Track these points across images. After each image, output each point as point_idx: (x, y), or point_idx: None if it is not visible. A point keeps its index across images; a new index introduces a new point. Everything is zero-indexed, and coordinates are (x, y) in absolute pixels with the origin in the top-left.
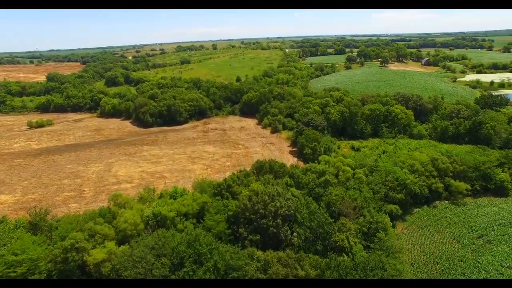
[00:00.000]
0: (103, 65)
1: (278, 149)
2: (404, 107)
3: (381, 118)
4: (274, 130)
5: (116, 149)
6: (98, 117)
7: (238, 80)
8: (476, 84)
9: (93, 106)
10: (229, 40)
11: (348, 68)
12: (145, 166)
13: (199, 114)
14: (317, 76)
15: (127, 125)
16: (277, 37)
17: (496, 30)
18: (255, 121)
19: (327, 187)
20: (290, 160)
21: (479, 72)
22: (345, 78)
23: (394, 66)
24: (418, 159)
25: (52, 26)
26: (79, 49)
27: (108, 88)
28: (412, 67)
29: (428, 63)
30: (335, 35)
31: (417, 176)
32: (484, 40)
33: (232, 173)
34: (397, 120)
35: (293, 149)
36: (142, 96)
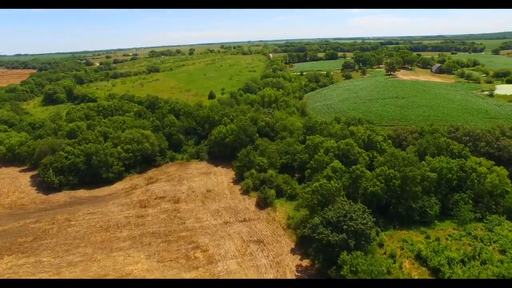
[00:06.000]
0: (51, 74)
1: (274, 265)
2: (493, 162)
3: (454, 183)
4: (263, 202)
5: None
6: None
7: (211, 96)
8: None
9: None
10: (209, 44)
11: (347, 77)
12: None
13: (143, 161)
14: (313, 89)
15: (20, 185)
16: (259, 41)
17: (471, 34)
18: (231, 173)
19: None
20: None
21: (509, 81)
22: (350, 92)
23: (402, 75)
24: None
25: (28, 30)
26: (50, 53)
27: (44, 107)
28: (424, 76)
29: (440, 71)
30: (318, 38)
31: None
32: (473, 44)
33: None
34: (479, 185)
35: (304, 262)
36: (66, 128)
